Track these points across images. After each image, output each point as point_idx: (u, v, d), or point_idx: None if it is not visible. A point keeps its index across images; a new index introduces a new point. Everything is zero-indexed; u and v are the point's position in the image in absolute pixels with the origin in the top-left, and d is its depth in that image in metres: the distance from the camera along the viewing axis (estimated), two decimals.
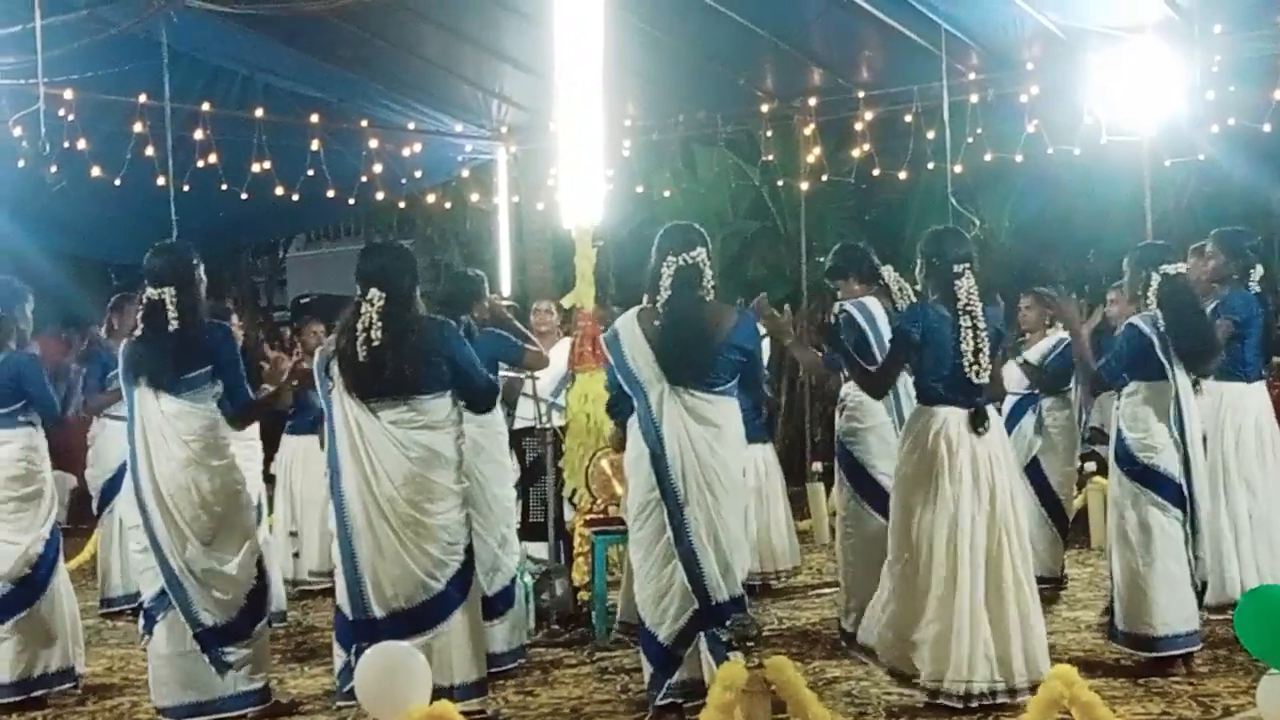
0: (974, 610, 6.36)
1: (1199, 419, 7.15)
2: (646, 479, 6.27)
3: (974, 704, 6.32)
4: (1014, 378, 8.80)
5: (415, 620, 6.21)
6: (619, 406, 6.55)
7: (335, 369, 6.30)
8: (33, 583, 7.26)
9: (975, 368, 6.45)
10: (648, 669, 6.37)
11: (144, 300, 6.72)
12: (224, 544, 6.66)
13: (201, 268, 6.81)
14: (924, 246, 6.73)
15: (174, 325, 6.60)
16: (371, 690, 5.10)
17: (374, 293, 6.26)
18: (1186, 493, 6.99)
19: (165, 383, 6.60)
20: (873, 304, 7.84)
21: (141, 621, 6.85)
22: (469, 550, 6.42)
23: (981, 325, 6.50)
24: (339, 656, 6.40)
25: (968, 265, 6.56)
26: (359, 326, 6.23)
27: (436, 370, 6.28)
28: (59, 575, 7.43)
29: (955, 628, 6.35)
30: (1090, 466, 11.06)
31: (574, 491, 8.84)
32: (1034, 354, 9.18)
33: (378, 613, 6.23)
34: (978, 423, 6.46)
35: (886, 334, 7.35)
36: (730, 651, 5.97)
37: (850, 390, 7.73)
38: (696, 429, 6.24)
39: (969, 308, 6.49)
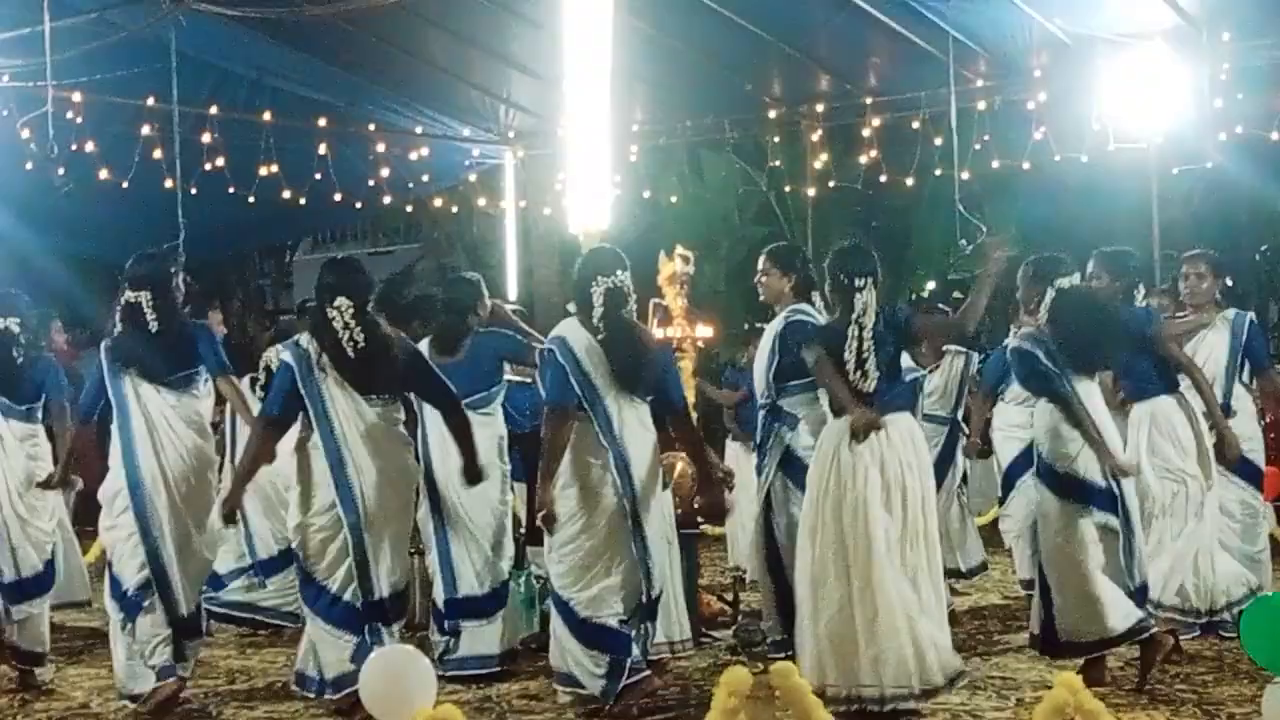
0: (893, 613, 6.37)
1: (1110, 422, 7.09)
2: (610, 485, 6.64)
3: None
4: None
5: (401, 604, 6.78)
6: (558, 416, 6.71)
7: (329, 366, 6.59)
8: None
9: (861, 376, 6.58)
10: (598, 662, 6.62)
11: (122, 303, 7.05)
12: (209, 530, 7.05)
13: (181, 275, 7.39)
14: (829, 263, 6.86)
15: (154, 326, 6.97)
16: (376, 693, 5.10)
17: (341, 300, 6.62)
18: (1117, 493, 6.94)
19: (161, 378, 6.98)
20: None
21: (120, 612, 6.95)
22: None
23: (869, 336, 6.59)
24: (347, 642, 6.57)
25: (870, 279, 6.69)
26: (338, 329, 6.58)
27: (403, 377, 6.79)
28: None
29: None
30: None
31: None
32: None
33: (385, 593, 6.62)
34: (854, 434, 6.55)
35: None
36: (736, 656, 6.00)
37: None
38: (642, 435, 6.71)
39: (861, 319, 6.60)
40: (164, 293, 7.03)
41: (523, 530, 8.63)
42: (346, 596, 6.57)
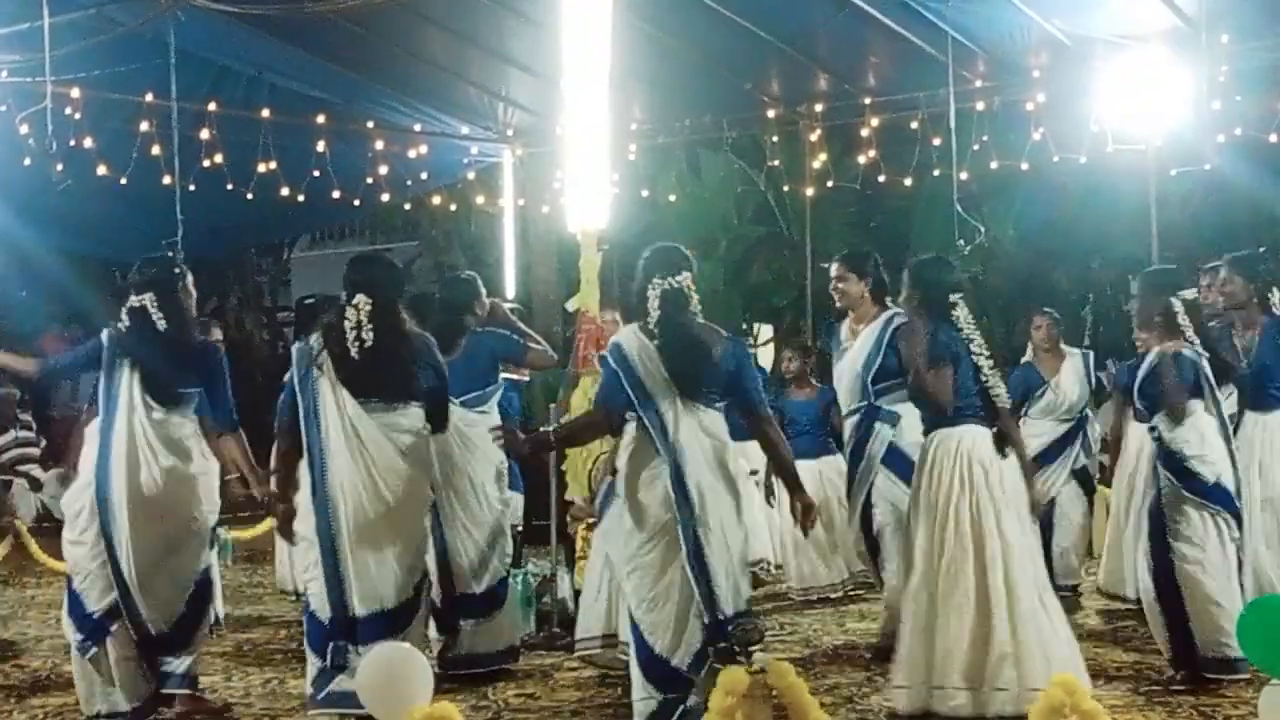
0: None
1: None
2: (662, 497, 6.13)
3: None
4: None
5: (393, 621, 6.27)
6: (606, 422, 6.44)
7: (327, 364, 6.35)
8: None
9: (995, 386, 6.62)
10: (649, 693, 6.10)
11: (128, 308, 6.84)
12: (184, 551, 6.76)
13: (188, 278, 7.00)
14: (918, 275, 6.87)
15: (162, 326, 6.75)
16: (373, 690, 5.10)
17: (360, 298, 6.39)
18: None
19: (157, 394, 6.72)
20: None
21: (79, 634, 6.72)
22: (422, 557, 6.62)
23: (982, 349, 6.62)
24: (313, 662, 6.36)
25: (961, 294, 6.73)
26: (347, 327, 6.36)
27: (424, 378, 6.48)
28: None
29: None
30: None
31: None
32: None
33: (359, 611, 6.25)
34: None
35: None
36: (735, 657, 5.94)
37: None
38: (706, 442, 6.18)
39: (970, 334, 6.62)
40: (169, 294, 6.82)
41: (519, 529, 8.64)
42: (315, 609, 6.35)
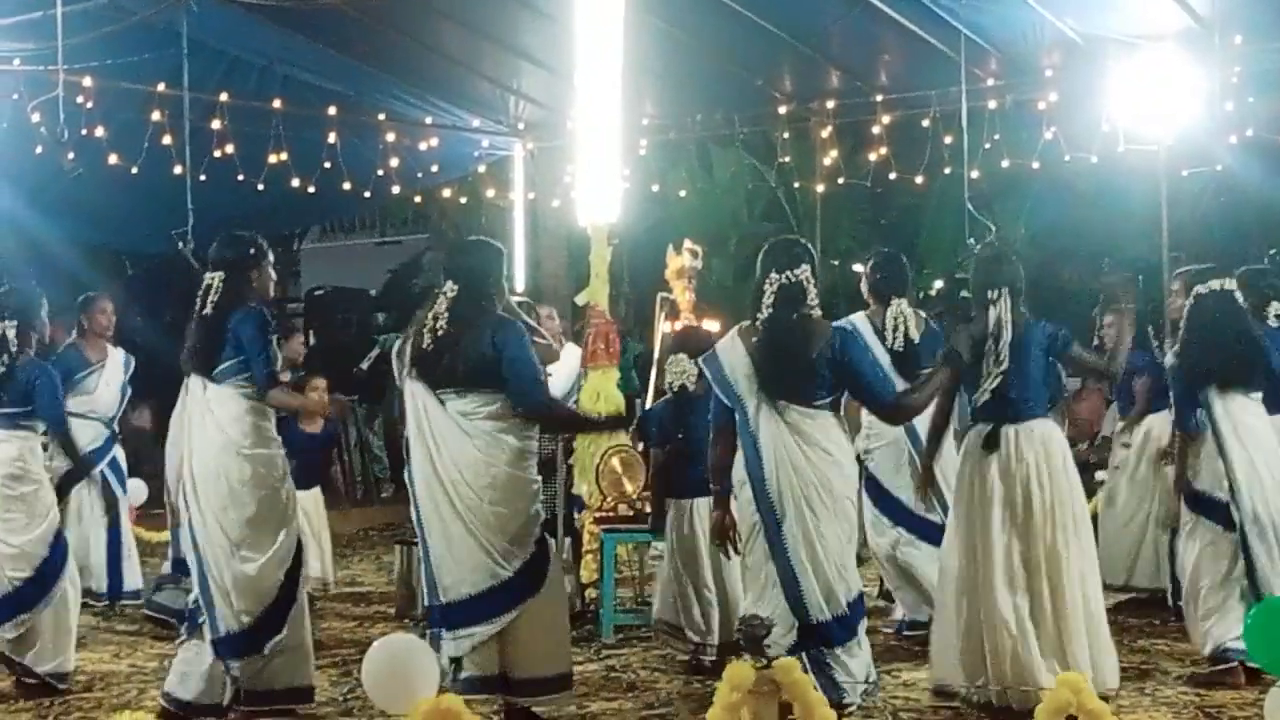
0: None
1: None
2: (748, 499, 6.21)
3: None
4: None
5: (479, 607, 6.15)
6: (722, 430, 6.37)
7: (407, 355, 6.33)
8: (37, 584, 7.26)
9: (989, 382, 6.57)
10: None
11: (203, 286, 6.65)
12: (255, 543, 6.47)
13: (269, 259, 6.74)
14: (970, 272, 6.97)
15: (209, 310, 6.57)
16: (378, 682, 5.11)
17: (449, 285, 6.30)
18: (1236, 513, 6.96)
19: (201, 368, 6.55)
20: (860, 322, 8.01)
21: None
22: (541, 543, 6.31)
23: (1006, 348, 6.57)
24: None
25: (1004, 290, 6.64)
26: (430, 316, 6.27)
27: (489, 366, 6.18)
28: (62, 582, 7.37)
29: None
30: (1101, 475, 11.07)
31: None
32: None
33: (443, 598, 6.21)
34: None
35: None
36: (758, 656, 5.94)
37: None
38: (795, 445, 6.16)
39: (996, 332, 6.58)
40: (238, 273, 6.58)
41: None
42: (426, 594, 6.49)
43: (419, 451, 6.25)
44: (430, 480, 6.21)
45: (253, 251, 6.70)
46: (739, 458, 6.27)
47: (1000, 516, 6.47)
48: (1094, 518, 10.62)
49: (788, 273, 6.29)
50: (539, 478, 6.42)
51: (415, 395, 6.27)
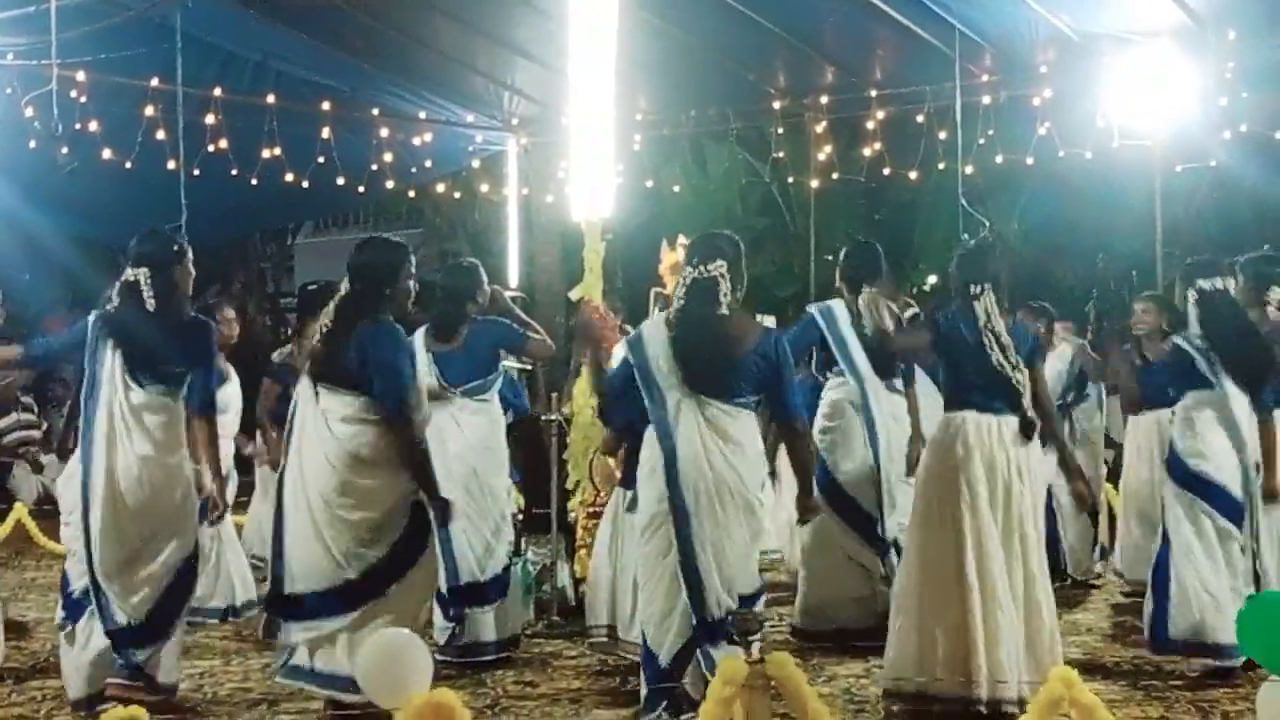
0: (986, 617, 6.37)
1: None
2: (658, 489, 6.09)
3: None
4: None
5: (322, 603, 6.07)
6: (614, 409, 6.47)
7: (304, 357, 6.40)
8: None
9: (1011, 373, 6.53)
10: (644, 687, 6.17)
11: (121, 281, 6.62)
12: (160, 541, 6.50)
13: (187, 257, 6.70)
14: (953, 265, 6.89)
15: (151, 305, 6.50)
16: (372, 676, 5.10)
17: (344, 283, 6.28)
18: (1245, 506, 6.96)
19: (139, 373, 6.48)
20: (837, 306, 8.09)
21: (60, 613, 6.66)
22: (395, 545, 6.11)
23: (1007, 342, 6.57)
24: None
25: (986, 285, 6.62)
26: (323, 312, 6.30)
27: (357, 368, 6.08)
28: None
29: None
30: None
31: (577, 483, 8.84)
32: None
33: (296, 589, 6.10)
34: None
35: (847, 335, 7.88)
36: (731, 646, 5.93)
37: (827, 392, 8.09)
38: (712, 440, 6.07)
39: (990, 326, 6.55)
40: (163, 270, 6.53)
41: (520, 517, 8.64)
42: None
43: (292, 444, 6.22)
44: (293, 473, 6.16)
45: (176, 249, 6.71)
46: (652, 446, 6.14)
47: (984, 509, 6.44)
48: (1112, 518, 10.65)
49: (701, 267, 6.20)
50: (413, 485, 6.13)
51: (301, 390, 6.25)
